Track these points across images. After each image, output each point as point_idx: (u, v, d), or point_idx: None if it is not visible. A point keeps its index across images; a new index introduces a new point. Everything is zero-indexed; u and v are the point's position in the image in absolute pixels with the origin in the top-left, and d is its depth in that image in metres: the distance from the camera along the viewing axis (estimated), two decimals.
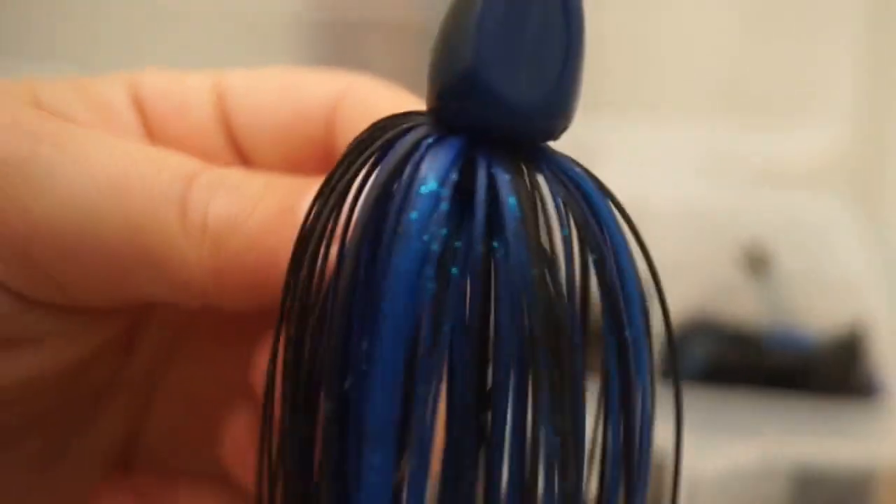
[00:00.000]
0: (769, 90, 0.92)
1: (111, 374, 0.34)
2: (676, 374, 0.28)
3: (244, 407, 0.33)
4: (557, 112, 0.26)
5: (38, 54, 0.89)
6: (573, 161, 0.27)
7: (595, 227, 0.26)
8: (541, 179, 0.26)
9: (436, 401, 0.25)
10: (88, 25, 0.92)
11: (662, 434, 0.28)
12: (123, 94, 0.33)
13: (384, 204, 0.25)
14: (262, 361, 0.31)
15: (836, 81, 0.90)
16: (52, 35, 0.92)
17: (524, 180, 0.25)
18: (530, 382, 0.25)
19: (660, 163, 0.88)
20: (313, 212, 0.27)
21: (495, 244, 0.25)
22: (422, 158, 0.25)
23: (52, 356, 0.31)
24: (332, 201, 0.26)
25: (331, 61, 0.92)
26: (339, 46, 0.94)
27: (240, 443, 0.32)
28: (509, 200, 0.25)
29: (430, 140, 0.26)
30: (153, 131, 0.33)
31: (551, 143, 0.27)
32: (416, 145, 0.26)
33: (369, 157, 0.26)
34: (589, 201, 0.26)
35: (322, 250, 0.27)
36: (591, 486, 0.27)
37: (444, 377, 0.25)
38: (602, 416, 0.26)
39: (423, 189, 0.25)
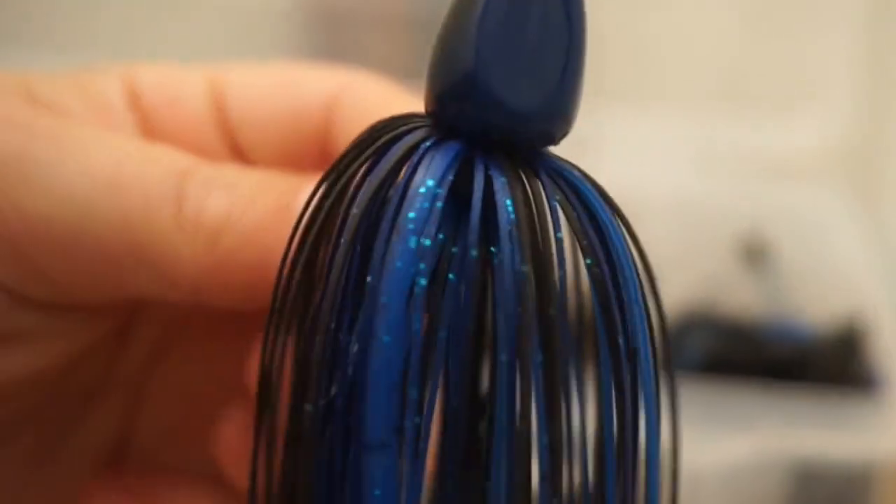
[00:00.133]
0: (768, 83, 0.92)
1: (104, 371, 0.34)
2: (670, 368, 0.28)
3: (238, 406, 0.32)
4: (557, 116, 0.26)
5: (33, 44, 0.89)
6: (573, 165, 0.26)
7: (592, 233, 0.26)
8: (539, 183, 0.26)
9: (431, 404, 0.25)
10: (83, 17, 0.92)
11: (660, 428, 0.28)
12: (118, 87, 0.33)
13: (381, 204, 0.25)
14: (256, 360, 0.31)
15: (835, 74, 0.90)
16: (47, 26, 0.92)
17: (522, 183, 0.25)
18: (526, 386, 0.25)
19: (658, 155, 0.88)
20: (309, 210, 0.27)
21: (493, 248, 0.25)
22: (420, 160, 0.25)
23: (45, 353, 0.31)
24: (328, 200, 0.26)
25: (326, 53, 0.92)
26: (333, 38, 0.94)
27: (233, 442, 0.32)
28: (505, 203, 0.25)
29: (428, 142, 0.26)
30: (148, 125, 0.33)
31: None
32: (414, 147, 0.26)
33: (367, 159, 0.26)
34: (587, 206, 0.26)
35: (318, 248, 0.26)
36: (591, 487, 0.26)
37: (440, 376, 0.25)
38: (602, 421, 0.26)
39: (421, 189, 0.25)
